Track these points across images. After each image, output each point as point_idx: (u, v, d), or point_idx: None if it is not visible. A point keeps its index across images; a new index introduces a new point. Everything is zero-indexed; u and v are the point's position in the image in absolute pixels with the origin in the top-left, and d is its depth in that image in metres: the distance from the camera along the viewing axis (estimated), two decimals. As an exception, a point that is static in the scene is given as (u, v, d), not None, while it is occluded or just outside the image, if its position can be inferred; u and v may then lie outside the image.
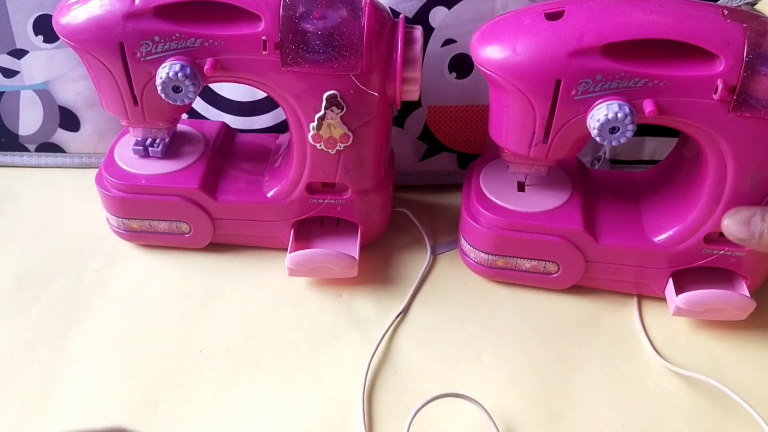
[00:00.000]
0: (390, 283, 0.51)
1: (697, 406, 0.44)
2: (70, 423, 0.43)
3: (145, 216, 0.51)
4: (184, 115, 0.57)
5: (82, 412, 0.43)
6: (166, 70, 0.43)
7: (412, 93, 0.45)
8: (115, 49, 0.44)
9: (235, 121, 0.58)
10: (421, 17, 0.52)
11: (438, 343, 0.47)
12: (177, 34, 0.43)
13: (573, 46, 0.40)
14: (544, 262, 0.49)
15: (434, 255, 0.54)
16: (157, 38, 0.43)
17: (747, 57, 0.39)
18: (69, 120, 0.60)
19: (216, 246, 0.53)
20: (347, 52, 0.43)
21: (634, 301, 0.50)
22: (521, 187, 0.50)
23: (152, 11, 0.43)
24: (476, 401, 0.42)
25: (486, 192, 0.50)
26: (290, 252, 0.49)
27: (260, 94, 0.58)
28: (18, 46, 0.57)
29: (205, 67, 0.43)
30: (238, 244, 0.54)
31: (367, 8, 0.42)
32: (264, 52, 0.43)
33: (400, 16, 0.45)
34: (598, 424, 0.43)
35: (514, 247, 0.49)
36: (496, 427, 0.41)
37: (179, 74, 0.43)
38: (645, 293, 0.50)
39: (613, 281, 0.50)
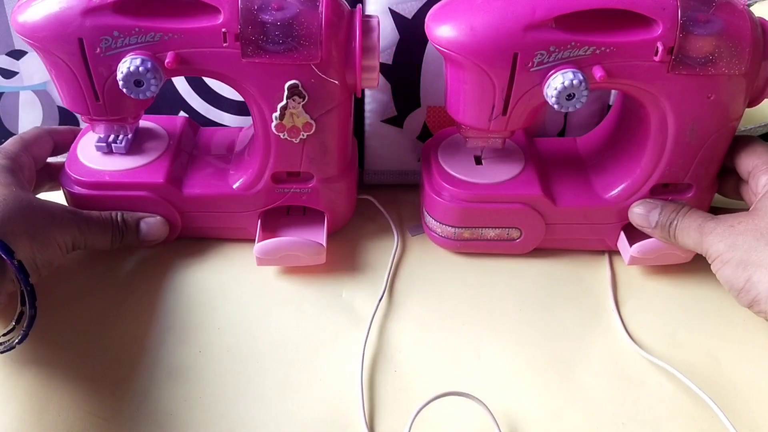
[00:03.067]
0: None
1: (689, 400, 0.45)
2: (70, 423, 0.42)
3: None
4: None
5: (81, 413, 0.43)
6: (126, 65, 0.43)
7: (371, 81, 0.46)
8: (75, 45, 0.43)
9: (235, 121, 0.58)
10: (420, 18, 0.52)
11: (435, 333, 0.48)
12: (137, 29, 0.43)
13: (527, 20, 0.42)
14: (507, 229, 0.52)
15: (403, 238, 0.55)
16: (116, 33, 0.43)
17: (681, 19, 0.42)
18: (68, 120, 0.60)
19: (186, 244, 0.53)
20: (306, 42, 0.43)
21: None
22: (478, 160, 0.52)
23: (110, 6, 0.43)
24: (478, 399, 0.42)
25: (447, 168, 0.52)
26: (258, 241, 0.49)
27: None
28: (16, 47, 0.57)
29: (166, 61, 0.43)
30: (207, 236, 0.54)
31: None
32: (224, 44, 0.43)
33: (357, 6, 0.46)
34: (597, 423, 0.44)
35: (479, 217, 0.51)
36: (497, 426, 0.42)
37: (140, 68, 0.43)
38: (599, 248, 0.54)
39: (571, 240, 0.53)
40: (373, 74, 0.46)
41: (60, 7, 0.43)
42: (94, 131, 0.51)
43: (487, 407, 0.42)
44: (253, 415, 0.43)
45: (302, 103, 0.45)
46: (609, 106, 0.58)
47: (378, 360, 0.47)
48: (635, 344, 0.47)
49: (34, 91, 0.59)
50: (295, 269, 0.52)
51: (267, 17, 0.43)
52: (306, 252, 0.50)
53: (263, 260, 0.50)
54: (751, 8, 0.44)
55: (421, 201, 0.55)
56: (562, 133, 0.60)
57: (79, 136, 0.54)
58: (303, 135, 0.47)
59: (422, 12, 0.51)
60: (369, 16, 0.46)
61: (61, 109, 0.60)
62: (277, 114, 0.46)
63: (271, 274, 0.52)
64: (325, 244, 0.50)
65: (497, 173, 0.51)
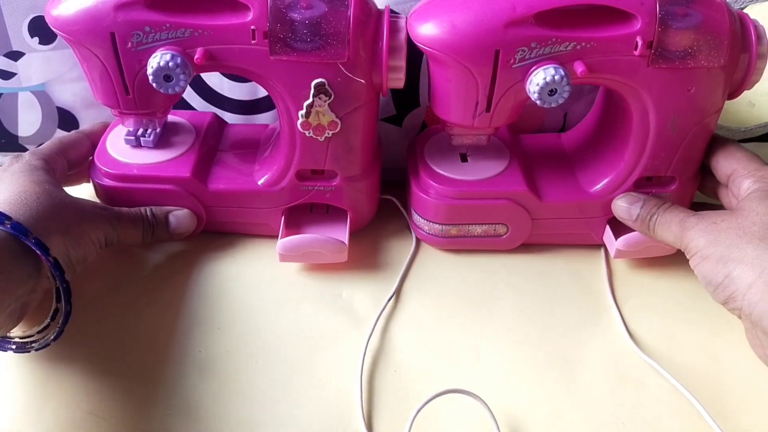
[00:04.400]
0: (379, 269, 0.53)
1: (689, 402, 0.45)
2: (70, 423, 0.42)
3: (137, 205, 0.51)
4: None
5: (81, 413, 0.43)
6: (157, 60, 0.44)
7: (398, 81, 0.47)
8: (107, 39, 0.44)
9: (236, 120, 0.59)
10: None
11: (434, 333, 0.48)
12: (167, 25, 0.44)
13: (507, 17, 0.43)
14: (494, 226, 0.52)
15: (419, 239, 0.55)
16: (147, 28, 0.44)
17: (660, 14, 0.43)
18: (67, 121, 0.60)
19: (213, 244, 0.53)
20: (334, 41, 0.44)
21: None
22: (464, 158, 0.53)
23: (143, 2, 0.44)
24: (478, 396, 0.42)
25: (432, 166, 0.52)
26: (281, 238, 0.50)
27: (261, 93, 0.58)
28: (14, 48, 0.57)
29: (195, 57, 0.44)
30: (230, 231, 0.54)
31: None
32: (253, 42, 0.44)
33: (386, 6, 0.47)
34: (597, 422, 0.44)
35: (465, 214, 0.51)
36: (497, 425, 0.42)
37: (170, 63, 0.43)
38: (586, 242, 0.54)
39: (557, 235, 0.54)
40: (400, 74, 0.46)
41: (93, 1, 0.44)
42: (123, 125, 0.52)
43: (486, 405, 0.42)
44: (253, 415, 0.43)
45: (328, 102, 0.46)
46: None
47: (378, 359, 0.47)
48: (634, 344, 0.48)
49: (33, 92, 0.59)
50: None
51: (296, 15, 0.43)
52: (328, 249, 0.50)
53: (286, 256, 0.50)
54: (752, 9, 0.44)
55: (407, 199, 0.55)
56: (562, 131, 0.60)
57: (108, 129, 0.55)
58: (328, 133, 0.48)
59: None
60: (396, 16, 0.46)
61: (60, 109, 0.60)
62: (303, 112, 0.47)
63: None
64: (347, 242, 0.51)
65: (482, 170, 0.52)
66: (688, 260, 0.48)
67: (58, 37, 0.55)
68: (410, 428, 0.42)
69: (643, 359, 0.47)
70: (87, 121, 0.61)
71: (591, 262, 0.54)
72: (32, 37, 0.56)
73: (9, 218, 0.42)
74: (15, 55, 0.57)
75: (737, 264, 0.41)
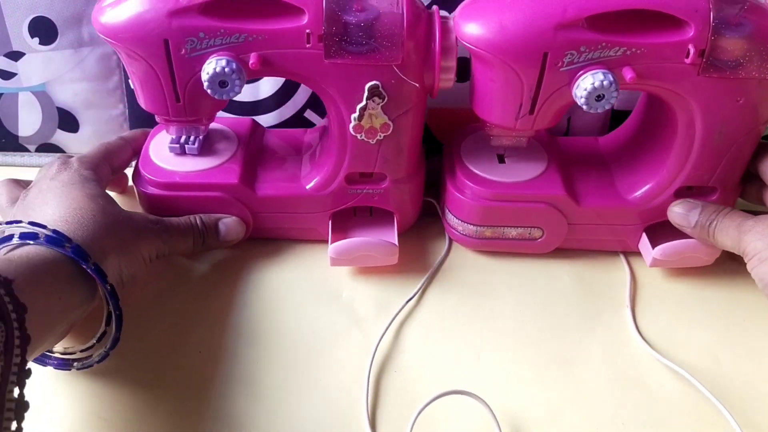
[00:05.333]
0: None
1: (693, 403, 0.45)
2: (69, 422, 0.42)
3: (183, 213, 0.51)
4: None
5: (81, 413, 0.43)
6: (212, 66, 0.43)
7: (448, 81, 0.46)
8: (160, 46, 0.44)
9: None
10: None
11: (439, 339, 0.48)
12: (221, 30, 0.43)
13: (558, 19, 0.42)
14: (529, 229, 0.52)
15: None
16: (202, 34, 0.43)
17: (713, 22, 0.42)
18: (68, 121, 0.60)
19: (254, 245, 0.53)
20: (388, 43, 0.43)
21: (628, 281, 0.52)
22: (501, 159, 0.52)
23: (197, 8, 0.43)
24: (480, 398, 0.42)
25: (470, 166, 0.51)
26: (331, 242, 0.50)
27: (263, 94, 0.58)
28: (14, 48, 0.57)
29: (250, 62, 0.44)
30: (276, 237, 0.54)
31: (405, 0, 0.43)
32: (307, 45, 0.44)
33: (434, 6, 0.46)
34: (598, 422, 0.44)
35: (501, 216, 0.51)
36: (498, 425, 0.42)
37: (226, 69, 0.43)
38: (619, 249, 0.54)
39: (592, 241, 0.53)
40: (451, 75, 0.46)
41: (146, 8, 0.43)
42: (167, 132, 0.51)
43: (488, 406, 0.42)
44: (254, 415, 0.43)
45: (381, 104, 0.46)
46: (612, 109, 0.58)
47: (378, 360, 0.47)
48: (641, 344, 0.48)
49: (33, 92, 0.59)
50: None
51: (350, 18, 0.43)
52: (380, 252, 0.50)
53: (337, 260, 0.50)
54: None
55: (441, 198, 0.55)
56: (566, 135, 0.59)
57: (149, 136, 0.54)
58: (380, 136, 0.47)
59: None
60: (446, 17, 0.46)
61: (60, 109, 0.59)
62: (355, 115, 0.46)
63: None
64: (397, 244, 0.51)
65: (521, 172, 0.51)
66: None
67: (59, 37, 0.56)
68: (411, 429, 0.42)
69: (645, 359, 0.47)
70: (88, 122, 0.60)
71: (592, 262, 0.53)
72: (32, 37, 0.56)
73: (69, 240, 0.41)
74: (15, 55, 0.57)
75: None
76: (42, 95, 0.59)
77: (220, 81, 0.44)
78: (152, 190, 0.51)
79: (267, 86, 0.58)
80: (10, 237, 0.41)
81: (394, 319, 0.49)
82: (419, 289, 0.51)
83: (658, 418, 0.44)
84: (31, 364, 0.37)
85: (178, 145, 0.52)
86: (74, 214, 0.43)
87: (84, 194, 0.45)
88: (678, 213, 0.49)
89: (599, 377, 0.46)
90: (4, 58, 0.57)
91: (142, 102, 0.48)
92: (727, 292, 0.51)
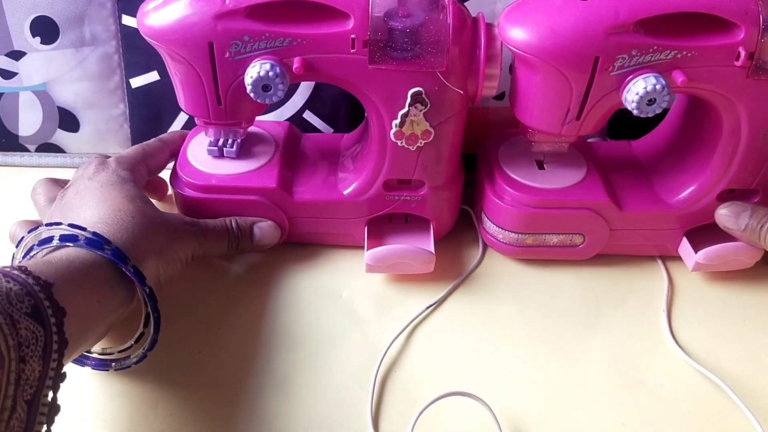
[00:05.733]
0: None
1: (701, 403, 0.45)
2: (69, 422, 0.42)
3: (220, 216, 0.50)
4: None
5: (81, 413, 0.42)
6: (256, 70, 0.43)
7: (491, 89, 0.46)
8: (204, 49, 0.44)
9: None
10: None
11: (436, 334, 0.48)
12: (267, 34, 0.43)
13: (610, 23, 0.41)
14: (570, 236, 0.51)
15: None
16: (246, 38, 0.43)
17: (763, 24, 0.42)
18: (68, 121, 0.60)
19: (290, 250, 0.53)
20: (433, 49, 0.43)
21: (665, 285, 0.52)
22: (540, 165, 0.52)
23: (243, 11, 0.42)
24: (482, 400, 0.42)
25: (509, 173, 0.51)
26: (367, 249, 0.49)
27: None
28: (16, 48, 0.56)
29: (294, 66, 0.43)
30: (312, 242, 0.54)
31: (450, 6, 0.43)
32: (352, 51, 0.43)
33: (479, 13, 0.46)
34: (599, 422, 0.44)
35: (544, 223, 0.50)
36: (499, 426, 0.41)
37: (270, 73, 0.43)
38: (658, 254, 0.53)
39: (631, 246, 0.52)
40: (494, 82, 0.45)
41: (192, 10, 0.43)
42: (206, 134, 0.51)
43: (488, 407, 0.42)
44: (254, 415, 0.43)
45: (424, 111, 0.45)
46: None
47: (377, 360, 0.46)
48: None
49: (34, 91, 0.58)
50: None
51: (396, 24, 0.42)
52: (416, 260, 0.49)
53: (373, 267, 0.50)
54: None
55: (479, 206, 0.54)
56: None
57: (187, 139, 0.54)
58: (420, 143, 0.47)
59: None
60: (491, 24, 0.45)
61: (61, 109, 0.59)
62: (397, 121, 0.46)
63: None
64: (434, 252, 0.50)
65: (562, 178, 0.50)
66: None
67: (60, 37, 0.56)
68: (412, 429, 0.41)
69: (645, 358, 0.46)
70: (88, 122, 0.60)
71: (591, 261, 0.53)
72: (34, 36, 0.56)
73: (109, 243, 0.40)
74: (16, 55, 0.57)
75: None
76: (43, 95, 0.59)
77: (263, 85, 0.43)
78: (189, 192, 0.51)
79: None
80: (50, 239, 0.40)
81: (412, 320, 0.48)
82: (445, 295, 0.50)
83: (657, 418, 0.43)
84: (68, 366, 0.37)
85: (216, 148, 0.51)
86: (113, 216, 0.43)
87: (123, 195, 0.44)
88: (727, 216, 0.49)
89: (600, 377, 0.46)
90: (6, 58, 0.57)
91: (182, 104, 0.48)
92: (730, 292, 0.51)
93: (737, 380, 0.45)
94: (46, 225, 0.41)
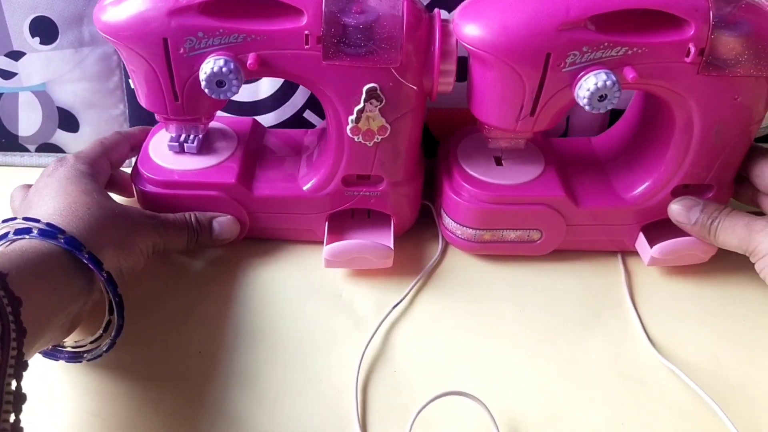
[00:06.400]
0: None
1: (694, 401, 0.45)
2: (69, 422, 0.42)
3: (180, 211, 0.50)
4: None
5: (81, 413, 0.42)
6: (210, 65, 0.43)
7: (447, 85, 0.46)
8: (159, 45, 0.43)
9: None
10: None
11: (436, 340, 0.48)
12: (220, 30, 0.43)
13: (561, 20, 0.42)
14: (528, 231, 0.51)
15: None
16: (200, 34, 0.43)
17: (713, 21, 0.42)
18: (68, 121, 0.60)
19: (252, 245, 0.53)
20: (387, 45, 0.43)
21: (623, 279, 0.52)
22: (498, 161, 0.52)
23: (197, 7, 0.42)
24: (477, 398, 0.42)
25: (467, 169, 0.51)
26: (326, 244, 0.49)
27: (262, 94, 0.57)
28: (15, 48, 0.56)
29: (248, 62, 0.43)
30: (272, 237, 0.54)
31: (405, 2, 0.43)
32: (306, 47, 0.43)
33: (436, 9, 0.46)
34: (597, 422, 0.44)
35: (500, 219, 0.50)
36: (496, 426, 0.42)
37: (223, 69, 0.43)
38: (617, 249, 0.54)
39: (589, 242, 0.53)
40: (450, 78, 0.45)
41: (146, 7, 0.43)
42: (166, 130, 0.51)
43: (486, 406, 0.42)
44: (252, 415, 0.43)
45: (379, 107, 0.45)
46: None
47: (377, 361, 0.46)
48: (642, 344, 0.48)
49: (33, 91, 0.58)
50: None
51: (349, 20, 0.43)
52: (375, 255, 0.50)
53: (332, 262, 0.50)
54: None
55: (438, 202, 0.54)
56: (564, 136, 0.59)
57: (149, 135, 0.54)
58: (377, 138, 0.47)
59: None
60: (447, 20, 0.45)
61: (60, 109, 0.59)
62: (353, 117, 0.46)
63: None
64: (393, 247, 0.50)
65: (518, 174, 0.51)
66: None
67: (59, 37, 0.55)
68: (410, 429, 0.41)
69: (644, 358, 0.47)
70: (88, 122, 0.60)
71: (592, 263, 0.53)
72: (33, 37, 0.56)
73: (62, 232, 0.41)
74: (16, 55, 0.57)
75: None
76: (42, 95, 0.58)
77: (217, 81, 0.43)
78: (151, 188, 0.50)
79: (267, 86, 0.57)
80: (6, 234, 0.40)
81: (384, 320, 0.48)
82: (408, 293, 0.50)
83: (657, 419, 0.44)
84: (39, 359, 0.39)
85: (177, 144, 0.51)
86: (69, 208, 0.43)
87: (79, 189, 0.45)
88: (678, 210, 0.49)
89: (599, 377, 0.46)
90: (5, 58, 0.57)
91: (141, 100, 0.48)
92: (724, 290, 0.52)
93: (700, 372, 0.46)
94: (2, 222, 0.42)
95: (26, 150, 0.61)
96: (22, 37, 0.55)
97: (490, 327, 0.49)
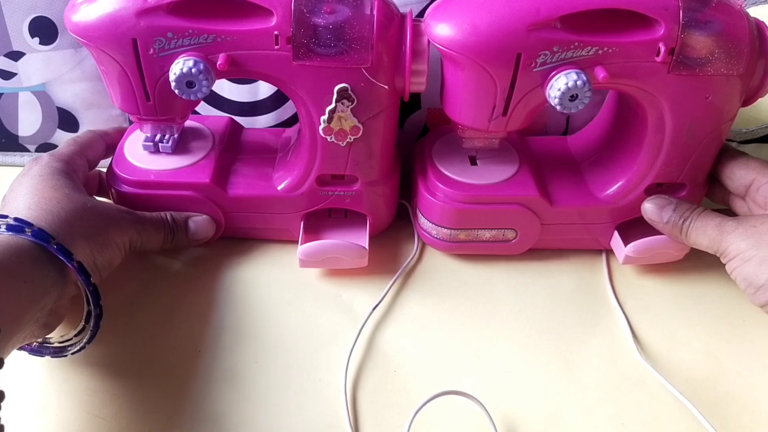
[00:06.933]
0: (387, 275, 0.52)
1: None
2: (69, 423, 0.42)
3: (156, 211, 0.50)
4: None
5: (81, 413, 0.43)
6: (179, 66, 0.43)
7: (420, 85, 0.45)
8: (128, 45, 0.43)
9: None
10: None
11: (435, 334, 0.48)
12: (190, 30, 0.43)
13: (531, 20, 0.41)
14: (503, 230, 0.51)
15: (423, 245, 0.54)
16: (170, 34, 0.43)
17: (683, 20, 0.42)
18: (68, 121, 0.60)
19: (230, 245, 0.53)
20: (357, 46, 0.43)
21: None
22: (473, 161, 0.52)
23: (165, 8, 0.42)
24: (475, 398, 0.42)
25: (442, 169, 0.51)
26: (301, 244, 0.49)
27: (262, 94, 0.57)
28: (14, 48, 0.56)
29: (218, 63, 0.43)
30: (249, 237, 0.53)
31: (376, 2, 0.43)
32: (276, 47, 0.43)
33: (408, 9, 0.46)
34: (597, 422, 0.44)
35: (475, 219, 0.50)
36: (494, 425, 0.42)
37: (193, 69, 0.42)
38: (593, 248, 0.54)
39: (565, 240, 0.53)
40: (422, 78, 0.45)
41: (115, 7, 0.43)
42: (141, 130, 0.51)
43: (483, 406, 0.42)
44: (251, 415, 0.43)
45: (351, 107, 0.45)
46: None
47: (378, 360, 0.46)
48: (634, 345, 0.47)
49: (33, 92, 0.58)
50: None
51: (319, 20, 0.42)
52: (349, 255, 0.50)
53: (306, 262, 0.50)
54: (753, 10, 0.44)
55: (413, 202, 0.54)
56: (565, 134, 0.59)
57: (125, 135, 0.54)
58: (350, 138, 0.47)
59: (422, 14, 0.50)
60: (419, 20, 0.45)
61: (60, 109, 0.59)
62: (325, 117, 0.46)
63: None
64: (367, 247, 0.50)
65: (493, 174, 0.51)
66: (684, 263, 0.50)
67: (59, 37, 0.55)
68: (409, 429, 0.41)
69: (642, 361, 0.47)
70: (87, 122, 0.60)
71: (591, 263, 0.54)
72: (33, 37, 0.56)
73: (30, 225, 0.41)
74: (15, 55, 0.57)
75: None
76: (42, 95, 0.58)
77: (187, 81, 0.43)
78: (126, 188, 0.50)
79: (266, 87, 0.57)
80: None
81: (367, 319, 0.48)
82: (387, 292, 0.50)
83: (657, 419, 0.44)
84: (18, 354, 0.39)
85: (152, 144, 0.51)
86: (38, 203, 0.43)
87: (50, 185, 0.45)
88: (651, 209, 0.49)
89: (597, 377, 0.46)
90: (5, 58, 0.57)
91: (114, 100, 0.47)
92: (724, 289, 0.51)
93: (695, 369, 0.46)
94: None
95: (26, 150, 0.61)
96: (21, 37, 0.55)
97: (477, 325, 0.49)
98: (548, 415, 0.44)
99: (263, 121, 0.58)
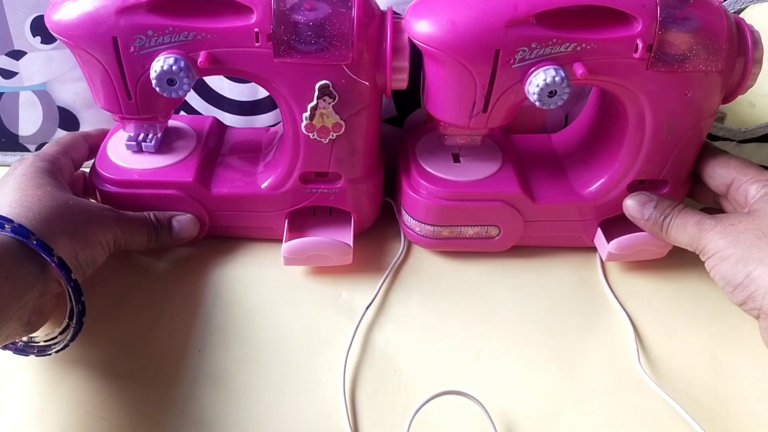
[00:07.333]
0: (378, 272, 0.52)
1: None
2: (69, 423, 0.42)
3: (140, 210, 0.50)
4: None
5: (80, 412, 0.43)
6: (160, 64, 0.43)
7: (401, 82, 0.46)
8: (109, 44, 0.44)
9: (236, 121, 0.58)
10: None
11: (434, 334, 0.48)
12: (170, 28, 0.43)
13: (509, 16, 0.42)
14: (486, 227, 0.51)
15: (409, 242, 0.54)
16: (150, 32, 0.43)
17: (660, 17, 0.43)
18: (68, 120, 0.60)
19: (217, 249, 0.53)
20: (338, 42, 0.43)
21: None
22: (456, 158, 0.52)
23: (145, 6, 0.43)
24: (474, 397, 0.42)
25: (425, 166, 0.51)
26: (285, 241, 0.49)
27: (261, 94, 0.57)
28: (16, 47, 0.57)
29: (199, 60, 0.43)
30: (233, 236, 0.54)
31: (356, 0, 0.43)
32: (256, 44, 0.43)
33: (389, 7, 0.46)
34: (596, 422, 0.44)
35: (458, 216, 0.50)
36: (493, 425, 0.42)
37: (173, 67, 0.43)
38: (576, 245, 0.54)
39: (548, 237, 0.53)
40: (403, 75, 0.46)
41: (95, 6, 0.43)
42: (124, 130, 0.51)
43: (482, 406, 0.42)
44: (251, 415, 0.43)
45: (332, 104, 0.45)
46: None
47: (378, 360, 0.46)
48: (635, 345, 0.48)
49: (34, 91, 0.58)
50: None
51: (299, 17, 0.43)
52: (333, 252, 0.50)
53: (291, 260, 0.50)
54: (752, 9, 0.44)
55: (398, 199, 0.54)
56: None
57: (108, 135, 0.54)
58: (332, 135, 0.47)
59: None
60: (399, 17, 0.45)
61: (61, 109, 0.59)
62: (307, 114, 0.46)
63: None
64: (352, 244, 0.50)
65: (476, 171, 0.51)
66: (679, 261, 0.50)
67: None
68: (408, 429, 0.41)
69: (641, 361, 0.47)
70: (88, 121, 0.60)
71: (590, 263, 0.54)
72: (34, 36, 0.56)
73: (10, 221, 0.41)
74: (17, 55, 0.57)
75: (758, 264, 0.41)
76: (43, 94, 0.59)
77: (168, 79, 0.43)
78: (109, 188, 0.50)
79: None
80: None
81: (361, 320, 0.48)
82: (378, 291, 0.50)
83: (656, 419, 0.44)
84: (1, 354, 0.39)
85: (135, 143, 0.51)
86: (20, 200, 0.44)
87: (33, 183, 0.45)
88: (632, 206, 0.49)
89: (597, 377, 0.46)
90: (6, 57, 0.57)
91: (96, 100, 0.48)
92: (711, 288, 0.51)
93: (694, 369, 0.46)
94: None
95: (26, 150, 0.61)
96: (23, 36, 0.56)
97: (477, 324, 0.49)
98: (548, 414, 0.44)
99: (263, 120, 0.58)
